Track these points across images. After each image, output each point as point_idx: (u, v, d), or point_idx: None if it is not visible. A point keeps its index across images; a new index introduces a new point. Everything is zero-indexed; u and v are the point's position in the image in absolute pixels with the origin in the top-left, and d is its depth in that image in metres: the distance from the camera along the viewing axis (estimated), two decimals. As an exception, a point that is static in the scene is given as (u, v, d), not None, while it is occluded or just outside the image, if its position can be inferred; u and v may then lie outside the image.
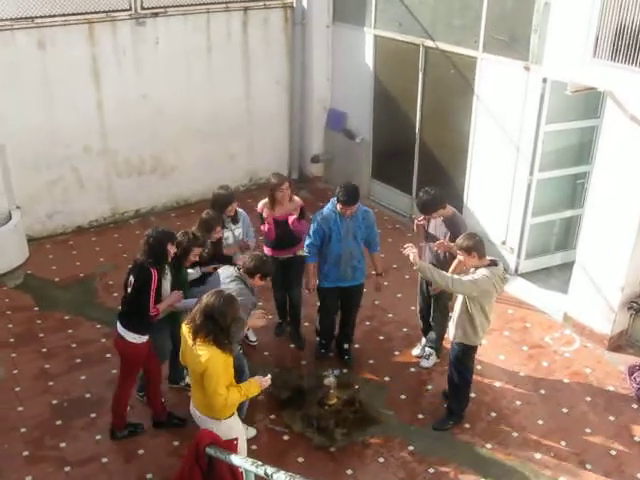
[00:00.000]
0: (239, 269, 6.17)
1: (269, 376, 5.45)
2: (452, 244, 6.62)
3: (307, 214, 7.62)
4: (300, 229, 7.43)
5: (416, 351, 7.88)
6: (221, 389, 5.04)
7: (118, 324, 6.28)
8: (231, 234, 7.36)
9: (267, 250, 7.64)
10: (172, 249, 6.19)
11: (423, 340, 7.86)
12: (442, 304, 7.40)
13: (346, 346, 7.74)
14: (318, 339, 7.82)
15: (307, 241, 7.20)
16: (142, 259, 6.10)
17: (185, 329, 5.23)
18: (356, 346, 7.92)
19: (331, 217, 7.04)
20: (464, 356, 6.57)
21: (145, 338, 6.27)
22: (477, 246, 6.16)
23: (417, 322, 7.86)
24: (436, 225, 7.09)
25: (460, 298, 6.37)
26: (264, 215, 7.48)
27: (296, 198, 7.64)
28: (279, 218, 7.44)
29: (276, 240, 7.50)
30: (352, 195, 6.89)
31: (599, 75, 6.78)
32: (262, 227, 7.60)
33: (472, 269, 6.25)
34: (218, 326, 5.02)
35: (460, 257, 6.26)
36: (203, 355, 5.00)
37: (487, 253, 6.37)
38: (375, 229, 7.28)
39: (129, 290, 6.19)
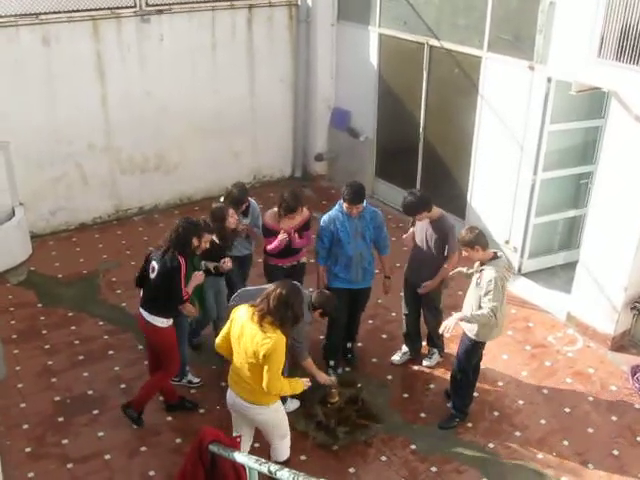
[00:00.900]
0: (311, 296, 6.28)
1: (308, 379, 5.75)
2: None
3: (312, 223, 7.54)
4: (302, 244, 7.39)
5: (396, 357, 7.78)
6: (280, 373, 5.29)
7: (143, 311, 6.42)
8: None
9: (270, 258, 7.44)
10: (196, 241, 6.38)
11: (404, 347, 7.78)
12: (432, 306, 7.38)
13: (349, 345, 7.72)
14: (326, 361, 7.52)
15: (317, 245, 7.14)
16: (167, 246, 6.26)
17: (246, 312, 5.34)
18: (359, 344, 7.92)
19: (338, 218, 7.00)
20: (472, 350, 6.56)
21: (171, 321, 6.44)
22: (479, 238, 6.18)
23: (402, 325, 7.75)
24: (422, 227, 7.06)
25: (473, 295, 6.35)
26: (281, 237, 7.12)
27: (304, 210, 7.43)
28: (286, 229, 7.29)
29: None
30: (358, 193, 6.87)
31: (604, 75, 6.77)
32: (268, 241, 7.28)
33: (477, 263, 6.29)
34: (290, 312, 5.24)
35: (465, 253, 6.25)
36: (272, 338, 5.16)
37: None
38: (384, 230, 7.23)
39: (153, 276, 6.32)
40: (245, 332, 5.29)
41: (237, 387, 5.50)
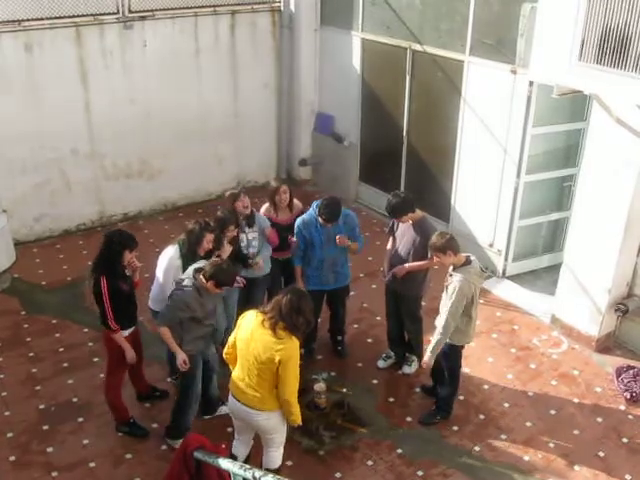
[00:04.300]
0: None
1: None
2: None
3: None
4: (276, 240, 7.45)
5: (381, 362, 7.78)
6: (298, 378, 5.28)
7: None
8: (245, 236, 7.25)
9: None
10: (129, 256, 6.08)
11: (389, 352, 7.78)
12: (412, 314, 7.37)
13: (339, 338, 7.82)
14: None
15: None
16: (93, 266, 6.02)
17: (255, 318, 5.30)
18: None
19: (312, 223, 7.07)
20: (451, 353, 6.57)
21: (125, 332, 6.28)
22: (451, 243, 6.18)
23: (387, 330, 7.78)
24: (405, 230, 7.07)
25: (445, 302, 6.34)
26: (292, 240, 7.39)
27: (296, 202, 7.70)
28: (281, 223, 7.50)
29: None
30: (335, 213, 6.94)
31: (585, 78, 6.80)
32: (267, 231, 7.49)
33: (450, 268, 6.31)
34: (301, 318, 5.20)
35: (436, 259, 6.28)
36: (286, 344, 5.14)
37: (476, 256, 6.43)
38: (357, 231, 7.27)
39: None
40: (255, 338, 5.24)
41: (243, 395, 5.41)
